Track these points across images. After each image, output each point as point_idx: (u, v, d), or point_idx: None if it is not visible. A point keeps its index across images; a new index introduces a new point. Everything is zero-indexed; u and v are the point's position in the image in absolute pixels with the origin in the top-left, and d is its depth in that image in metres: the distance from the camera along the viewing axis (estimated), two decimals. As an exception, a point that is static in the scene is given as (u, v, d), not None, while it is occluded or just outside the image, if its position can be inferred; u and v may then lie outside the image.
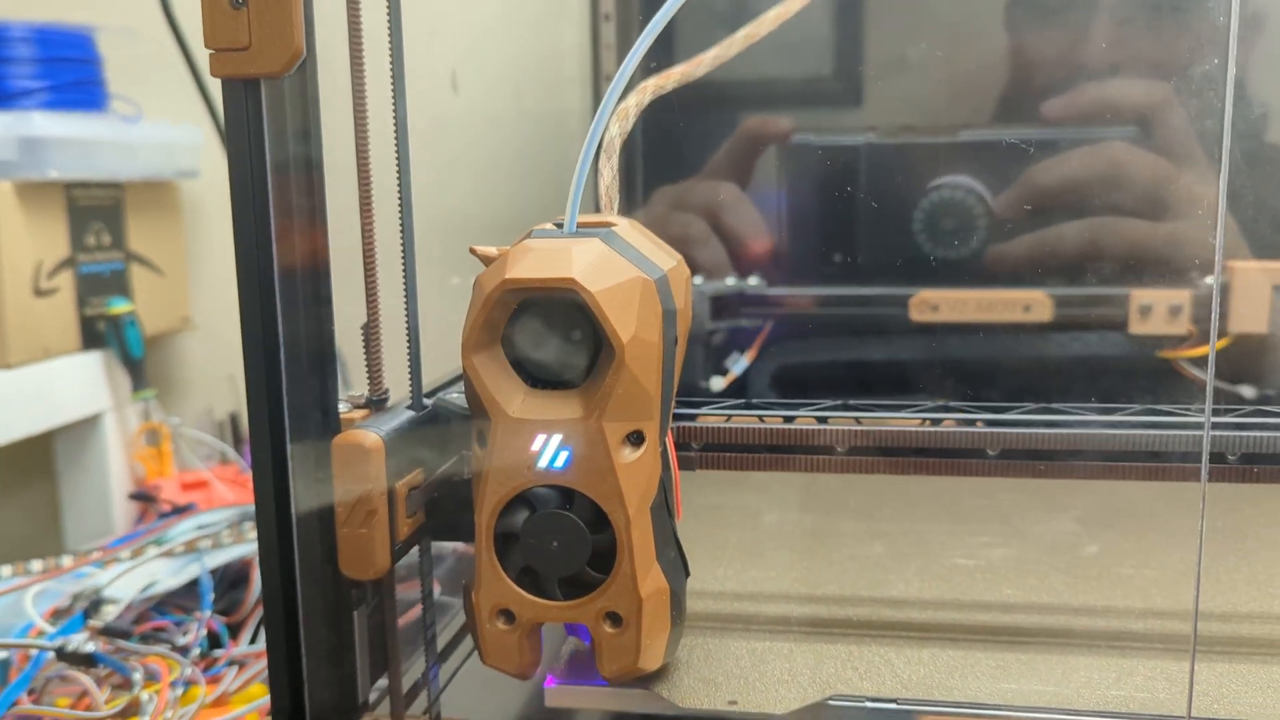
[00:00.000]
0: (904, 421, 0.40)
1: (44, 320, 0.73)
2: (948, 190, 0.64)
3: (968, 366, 0.65)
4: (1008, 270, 0.63)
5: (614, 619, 0.35)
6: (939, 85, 0.68)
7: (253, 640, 0.56)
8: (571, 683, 0.38)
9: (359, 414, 0.37)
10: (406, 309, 0.38)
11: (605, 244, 0.34)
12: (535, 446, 0.34)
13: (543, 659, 0.37)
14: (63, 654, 0.51)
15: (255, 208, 0.34)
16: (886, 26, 0.69)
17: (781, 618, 0.44)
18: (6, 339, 0.70)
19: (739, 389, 0.66)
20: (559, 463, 0.34)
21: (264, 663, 0.41)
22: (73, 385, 0.75)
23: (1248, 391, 0.60)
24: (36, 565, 0.60)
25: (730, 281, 0.67)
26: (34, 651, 0.51)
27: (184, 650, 0.53)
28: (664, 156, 0.70)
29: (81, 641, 0.51)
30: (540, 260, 0.33)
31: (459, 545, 0.56)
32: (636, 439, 0.34)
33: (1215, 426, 0.38)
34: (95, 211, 0.77)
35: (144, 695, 0.48)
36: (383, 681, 0.39)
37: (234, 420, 0.88)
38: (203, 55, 0.33)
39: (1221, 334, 0.58)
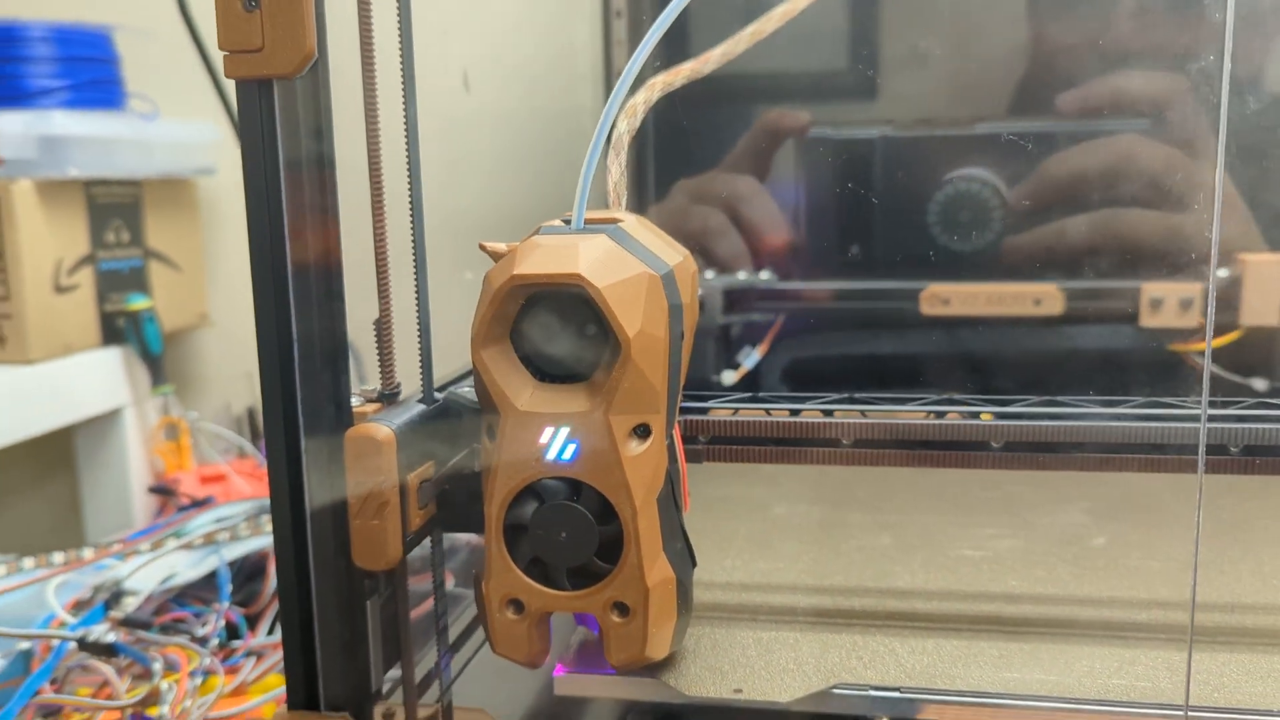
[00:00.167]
0: (908, 414, 0.40)
1: (64, 317, 0.74)
2: (963, 183, 0.64)
3: (978, 360, 0.65)
4: (1021, 262, 0.63)
5: (621, 609, 0.35)
6: (954, 78, 0.68)
7: (270, 631, 0.57)
8: (580, 671, 0.39)
9: (371, 408, 0.38)
10: (418, 305, 0.39)
11: (612, 240, 0.34)
12: (543, 439, 0.34)
13: (552, 648, 0.37)
14: (84, 644, 0.52)
15: (269, 207, 0.34)
16: (900, 19, 0.69)
17: (788, 608, 0.44)
18: (28, 335, 0.71)
19: (750, 382, 0.66)
20: (567, 455, 0.34)
21: (281, 653, 0.42)
22: (93, 381, 0.76)
23: (1260, 384, 0.60)
24: (58, 558, 0.61)
25: (742, 275, 0.67)
26: (56, 642, 0.52)
27: (203, 641, 0.54)
28: (676, 151, 0.70)
29: (102, 632, 0.52)
30: (547, 256, 0.33)
31: (472, 537, 0.56)
32: (643, 432, 0.34)
33: (1218, 419, 0.38)
34: (114, 209, 0.78)
35: (163, 685, 0.49)
36: (395, 671, 0.39)
37: (251, 415, 0.89)
38: (218, 54, 0.34)
39: (1233, 327, 0.58)
